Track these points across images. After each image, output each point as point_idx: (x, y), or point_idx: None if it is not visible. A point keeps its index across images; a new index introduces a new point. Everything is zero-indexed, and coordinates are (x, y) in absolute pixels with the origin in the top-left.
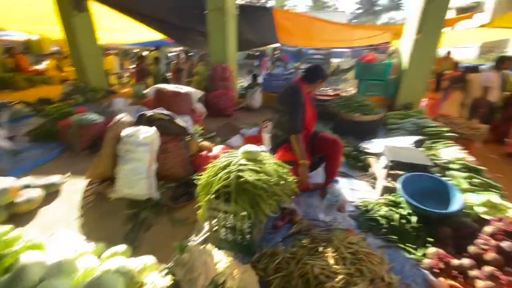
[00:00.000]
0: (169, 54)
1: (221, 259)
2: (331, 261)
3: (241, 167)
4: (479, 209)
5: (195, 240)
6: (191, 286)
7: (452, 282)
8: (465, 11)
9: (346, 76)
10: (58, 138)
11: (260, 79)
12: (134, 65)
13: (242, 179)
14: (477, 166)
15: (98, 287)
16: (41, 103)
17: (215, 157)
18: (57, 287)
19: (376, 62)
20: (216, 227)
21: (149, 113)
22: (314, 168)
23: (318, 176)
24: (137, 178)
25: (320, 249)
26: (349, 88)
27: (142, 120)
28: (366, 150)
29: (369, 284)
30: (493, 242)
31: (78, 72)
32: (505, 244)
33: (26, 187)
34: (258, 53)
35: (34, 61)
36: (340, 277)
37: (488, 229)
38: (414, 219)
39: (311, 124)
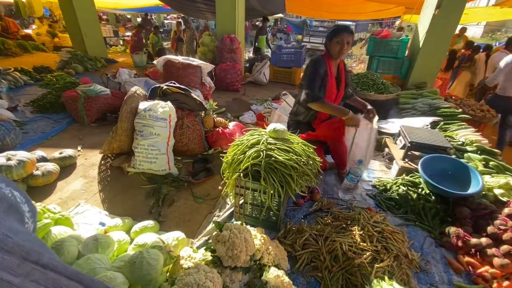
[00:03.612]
0: (165, 22)
1: (256, 235)
2: (358, 239)
3: (270, 146)
4: (497, 191)
5: (219, 215)
6: (234, 262)
7: (470, 259)
8: None
9: (351, 50)
10: (64, 110)
11: (264, 52)
12: (131, 33)
13: (272, 158)
14: (492, 149)
15: (142, 262)
16: (38, 71)
17: (231, 133)
18: (99, 260)
19: (391, 38)
20: (242, 203)
21: (163, 86)
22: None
23: None
24: (156, 153)
25: (345, 226)
26: (354, 63)
27: (155, 94)
28: (381, 130)
29: (393, 260)
30: (511, 223)
31: (74, 39)
32: None
33: (41, 160)
34: (258, 22)
35: (23, 25)
36: (367, 253)
37: (507, 210)
38: (432, 199)
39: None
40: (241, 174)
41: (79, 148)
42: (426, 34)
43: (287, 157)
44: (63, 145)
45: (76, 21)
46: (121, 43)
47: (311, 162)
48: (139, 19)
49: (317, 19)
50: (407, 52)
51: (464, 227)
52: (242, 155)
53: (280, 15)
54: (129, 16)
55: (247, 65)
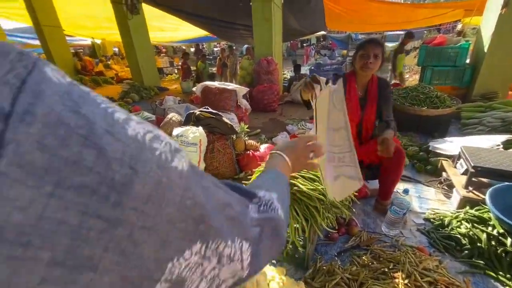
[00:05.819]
0: (215, 49)
1: (274, 277)
2: None
3: (293, 174)
4: None
5: None
6: None
7: None
8: None
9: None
10: None
11: (304, 70)
12: (180, 63)
13: (295, 188)
14: None
15: None
16: None
17: (262, 156)
18: None
19: (446, 45)
20: None
21: (196, 111)
22: (374, 176)
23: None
24: None
25: (387, 271)
26: (406, 75)
27: (190, 119)
28: (437, 151)
29: None
30: None
31: (134, 71)
32: None
33: None
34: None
35: (98, 63)
36: None
37: None
38: (509, 241)
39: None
40: None
41: None
42: (492, 38)
43: (311, 187)
44: None
45: (135, 57)
46: (176, 71)
47: None
48: (192, 49)
49: (361, 32)
50: (468, 59)
51: None
52: None
53: (322, 32)
54: (184, 47)
55: (287, 84)
